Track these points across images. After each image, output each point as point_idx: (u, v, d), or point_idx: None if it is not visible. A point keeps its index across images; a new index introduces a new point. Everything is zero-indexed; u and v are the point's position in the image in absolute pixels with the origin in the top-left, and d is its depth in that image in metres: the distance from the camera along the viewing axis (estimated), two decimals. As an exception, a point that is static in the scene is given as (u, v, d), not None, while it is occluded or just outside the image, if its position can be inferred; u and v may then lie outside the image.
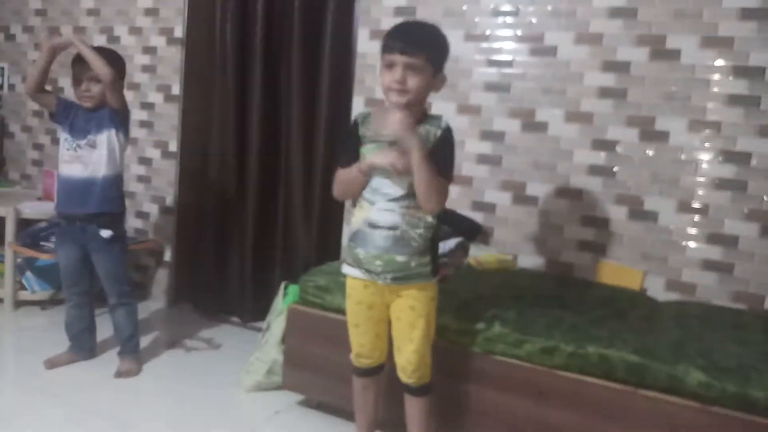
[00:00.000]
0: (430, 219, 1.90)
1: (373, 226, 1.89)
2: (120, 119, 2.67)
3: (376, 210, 1.89)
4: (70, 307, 2.81)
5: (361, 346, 2.05)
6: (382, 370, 2.09)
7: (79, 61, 2.62)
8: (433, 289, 1.97)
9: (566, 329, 2.08)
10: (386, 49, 1.84)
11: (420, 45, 1.81)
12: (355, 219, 1.96)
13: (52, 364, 2.76)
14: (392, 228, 1.87)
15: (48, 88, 2.72)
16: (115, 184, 2.70)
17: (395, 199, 1.87)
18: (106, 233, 2.65)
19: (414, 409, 2.04)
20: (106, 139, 2.64)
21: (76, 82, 2.65)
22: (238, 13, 3.35)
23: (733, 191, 2.52)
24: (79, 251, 2.72)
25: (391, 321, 2.00)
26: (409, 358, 1.97)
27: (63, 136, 2.69)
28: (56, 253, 2.81)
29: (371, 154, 1.88)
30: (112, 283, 2.74)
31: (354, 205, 1.99)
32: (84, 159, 2.63)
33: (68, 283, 2.79)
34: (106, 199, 2.66)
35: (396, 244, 1.88)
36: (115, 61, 2.68)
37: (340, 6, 3.18)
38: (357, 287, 2.00)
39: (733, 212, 2.52)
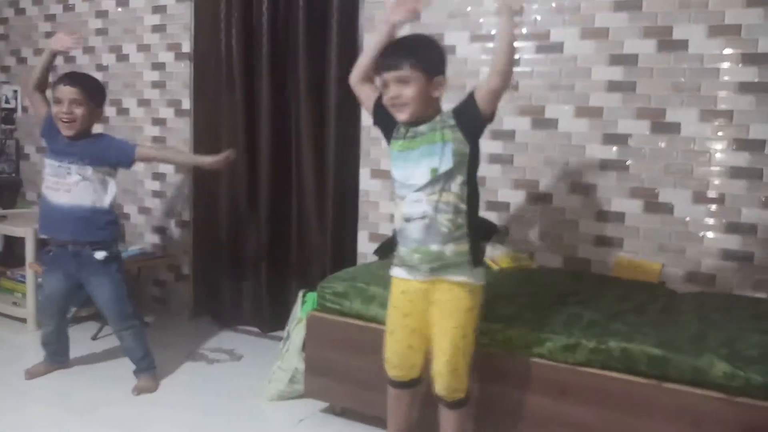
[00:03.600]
0: (458, 203, 1.88)
1: (407, 219, 1.91)
2: (125, 167, 2.70)
3: (407, 203, 1.90)
4: (49, 332, 2.82)
5: (392, 353, 2.03)
6: (418, 385, 2.06)
7: (63, 80, 2.61)
8: (471, 298, 1.92)
9: (586, 325, 2.08)
10: (376, 71, 1.94)
11: (401, 56, 1.86)
12: (395, 219, 1.98)
13: (31, 374, 2.80)
14: (422, 217, 1.87)
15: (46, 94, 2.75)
16: (107, 215, 2.67)
17: (420, 188, 1.87)
18: (100, 255, 2.63)
19: (446, 421, 2.02)
20: (99, 174, 2.63)
21: (58, 102, 2.59)
22: (243, 26, 3.39)
23: (748, 179, 2.50)
24: (68, 281, 2.70)
25: (431, 331, 1.98)
26: (441, 369, 1.94)
27: (47, 160, 2.66)
28: (44, 279, 2.79)
29: (397, 150, 1.92)
30: (112, 307, 2.70)
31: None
32: (69, 186, 2.60)
33: (49, 311, 2.78)
34: (97, 228, 2.64)
35: (428, 234, 1.87)
36: (101, 90, 2.73)
37: (343, 14, 3.20)
38: (395, 293, 2.01)
39: (749, 200, 2.50)
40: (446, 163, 1.86)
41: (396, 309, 2.00)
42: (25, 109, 4.29)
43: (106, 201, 2.67)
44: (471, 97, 1.87)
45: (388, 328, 2.04)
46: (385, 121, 1.99)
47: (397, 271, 2.00)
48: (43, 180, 2.71)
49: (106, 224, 2.69)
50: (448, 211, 1.87)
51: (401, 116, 1.89)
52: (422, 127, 1.90)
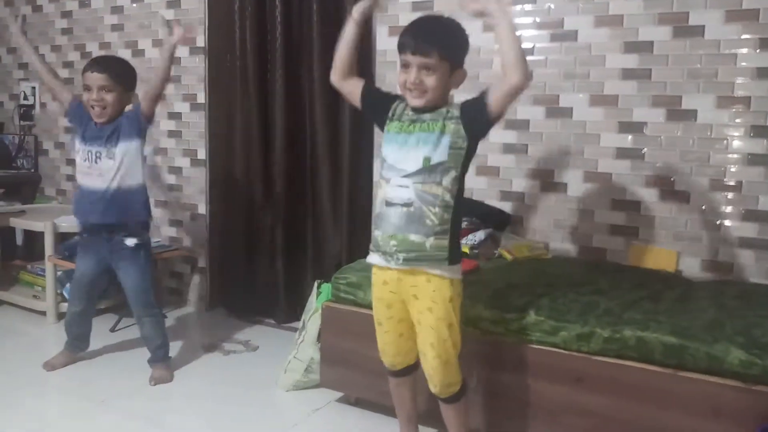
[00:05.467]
0: (447, 197, 1.83)
1: (388, 204, 1.86)
2: (146, 128, 2.68)
3: (390, 187, 1.86)
4: (75, 313, 2.84)
5: (384, 344, 2.04)
6: (415, 370, 2.06)
7: (91, 67, 2.61)
8: (451, 289, 1.88)
9: (601, 314, 2.06)
10: (400, 48, 1.85)
11: (433, 44, 1.79)
12: (377, 201, 1.93)
13: (51, 366, 2.84)
14: (406, 204, 1.82)
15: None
16: (139, 194, 2.70)
17: (409, 175, 1.82)
18: (131, 241, 2.67)
19: (447, 414, 2.02)
20: (127, 150, 2.62)
21: (87, 89, 2.61)
22: (256, 20, 3.40)
23: (766, 167, 2.47)
24: (99, 265, 2.74)
25: (415, 326, 1.96)
26: (432, 364, 1.91)
27: (77, 145, 2.68)
28: (76, 262, 2.84)
29: (393, 131, 1.89)
30: (137, 294, 2.73)
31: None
32: (102, 170, 2.61)
33: (79, 293, 2.81)
34: (130, 209, 2.67)
35: (410, 222, 1.82)
36: (131, 72, 2.71)
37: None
38: (377, 283, 1.98)
39: (767, 188, 2.47)
40: (440, 155, 1.81)
41: (380, 301, 1.98)
42: (43, 105, 4.34)
43: (139, 178, 2.68)
44: (483, 96, 1.81)
45: (376, 319, 2.03)
46: (375, 106, 1.97)
47: (374, 258, 1.94)
48: (75, 164, 2.73)
49: (140, 205, 2.72)
50: (436, 203, 1.82)
51: (416, 102, 1.84)
52: (426, 115, 1.86)
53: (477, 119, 1.82)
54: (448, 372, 1.92)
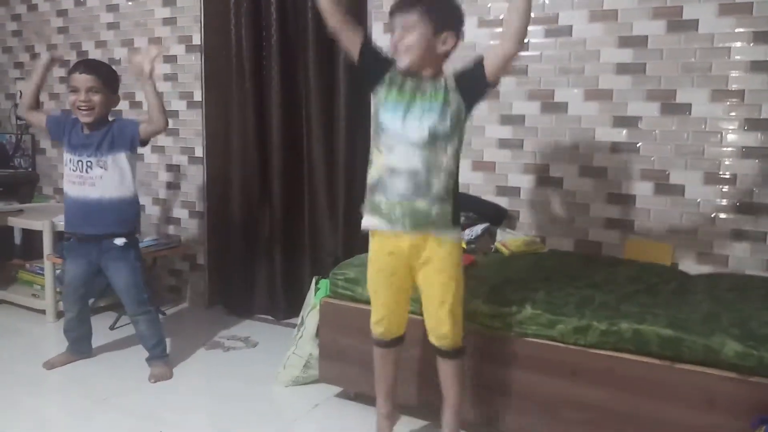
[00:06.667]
0: (451, 165, 1.88)
1: (393, 171, 1.88)
2: (139, 144, 2.67)
3: (396, 155, 1.87)
4: (71, 318, 2.84)
5: (381, 313, 2.06)
6: (401, 343, 2.11)
7: (78, 68, 2.61)
8: (458, 254, 1.96)
9: (598, 307, 2.07)
10: (389, 16, 1.91)
11: (412, 3, 1.85)
12: (374, 168, 1.94)
13: (51, 365, 2.84)
14: (412, 172, 1.86)
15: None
16: (130, 206, 2.70)
17: (415, 143, 1.85)
18: (119, 241, 2.65)
19: (448, 371, 2.04)
20: (119, 159, 2.62)
21: (74, 90, 2.60)
22: (252, 17, 3.39)
23: (760, 159, 2.48)
24: (89, 267, 2.73)
25: (421, 290, 2.00)
26: (443, 317, 1.95)
27: (66, 155, 2.67)
28: (65, 266, 2.83)
29: (393, 100, 1.89)
30: (129, 293, 2.73)
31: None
32: (93, 180, 2.61)
33: (72, 297, 2.81)
34: (121, 221, 2.67)
35: (417, 190, 1.86)
36: (115, 76, 2.71)
37: (353, 2, 3.20)
38: (381, 253, 1.99)
39: (762, 180, 2.49)
40: (444, 125, 1.86)
41: (381, 271, 2.01)
42: (40, 104, 4.32)
43: (131, 189, 2.68)
44: (479, 62, 1.85)
45: (371, 288, 2.06)
46: (373, 67, 1.95)
47: (374, 221, 1.96)
48: (64, 175, 2.71)
49: (133, 214, 2.73)
50: (441, 171, 1.87)
51: (400, 63, 1.88)
52: (426, 85, 1.88)
53: (474, 86, 1.88)
54: (456, 325, 1.98)
